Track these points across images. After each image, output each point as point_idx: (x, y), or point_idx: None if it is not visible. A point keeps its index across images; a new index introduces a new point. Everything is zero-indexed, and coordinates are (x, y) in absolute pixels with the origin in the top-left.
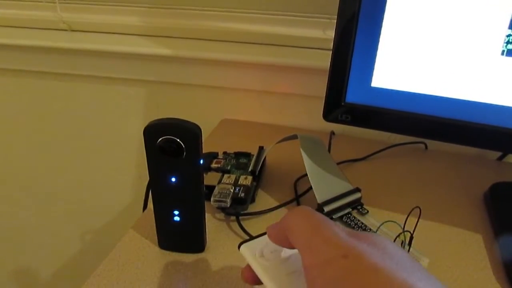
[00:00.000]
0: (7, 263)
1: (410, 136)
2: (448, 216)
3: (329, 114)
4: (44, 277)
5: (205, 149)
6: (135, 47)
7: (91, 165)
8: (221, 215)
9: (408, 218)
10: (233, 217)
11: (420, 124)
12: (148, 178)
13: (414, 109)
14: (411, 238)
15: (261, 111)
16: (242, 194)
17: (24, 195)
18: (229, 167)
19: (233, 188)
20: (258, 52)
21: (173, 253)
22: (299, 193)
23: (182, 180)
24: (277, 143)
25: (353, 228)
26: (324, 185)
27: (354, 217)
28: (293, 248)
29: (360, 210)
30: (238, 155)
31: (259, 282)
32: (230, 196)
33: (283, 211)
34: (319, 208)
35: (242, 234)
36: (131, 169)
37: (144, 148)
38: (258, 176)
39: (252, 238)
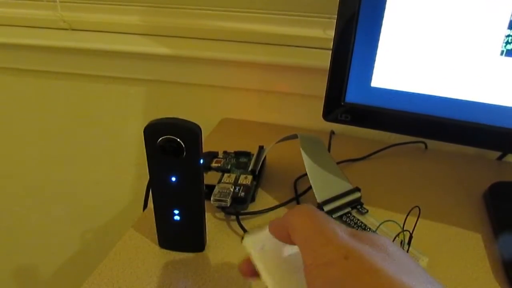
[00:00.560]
0: (7, 262)
1: (410, 136)
2: (447, 216)
3: (329, 113)
4: (44, 276)
5: (205, 148)
6: (135, 46)
7: (91, 164)
8: (221, 215)
9: (408, 218)
10: (233, 217)
11: (420, 124)
12: (148, 178)
13: (414, 109)
14: (411, 237)
15: (261, 111)
16: (242, 194)
17: (24, 194)
18: (229, 167)
19: (233, 187)
20: (258, 52)
21: (173, 252)
22: (299, 193)
23: (182, 179)
24: (277, 142)
25: (353, 227)
26: (324, 184)
27: (354, 217)
28: (294, 244)
29: (360, 209)
30: (238, 154)
31: (255, 275)
32: (230, 195)
33: (283, 210)
34: (319, 207)
35: (242, 233)
36: (131, 168)
37: (144, 147)
38: (258, 176)
39: (256, 231)
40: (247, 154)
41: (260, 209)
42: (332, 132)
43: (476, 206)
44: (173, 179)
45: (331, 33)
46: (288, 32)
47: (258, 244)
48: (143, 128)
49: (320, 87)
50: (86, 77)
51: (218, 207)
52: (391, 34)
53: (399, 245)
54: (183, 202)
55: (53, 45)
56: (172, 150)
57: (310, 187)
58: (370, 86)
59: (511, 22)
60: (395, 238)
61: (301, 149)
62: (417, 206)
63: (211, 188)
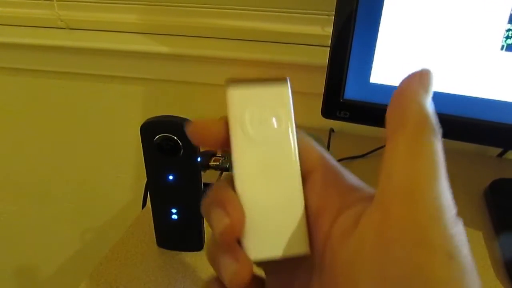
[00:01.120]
0: (7, 262)
1: None
2: None
3: (327, 111)
4: (43, 275)
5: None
6: (133, 45)
7: (89, 164)
8: None
9: None
10: None
11: None
12: None
13: None
14: None
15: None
16: None
17: (22, 193)
18: (227, 165)
19: None
20: (256, 50)
21: (172, 252)
22: None
23: (180, 178)
24: None
25: None
26: None
27: None
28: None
29: None
30: None
31: (217, 145)
32: None
33: None
34: None
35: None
36: (129, 167)
37: None
38: None
39: (249, 81)
40: None
41: None
42: (332, 130)
43: (477, 204)
44: (171, 177)
45: (330, 30)
46: (286, 30)
47: (245, 108)
48: None
49: (318, 84)
50: (84, 76)
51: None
52: (390, 29)
53: None
54: (181, 201)
55: (51, 44)
56: (169, 149)
57: None
58: (369, 82)
59: (511, 16)
60: None
61: None
62: None
63: (209, 186)
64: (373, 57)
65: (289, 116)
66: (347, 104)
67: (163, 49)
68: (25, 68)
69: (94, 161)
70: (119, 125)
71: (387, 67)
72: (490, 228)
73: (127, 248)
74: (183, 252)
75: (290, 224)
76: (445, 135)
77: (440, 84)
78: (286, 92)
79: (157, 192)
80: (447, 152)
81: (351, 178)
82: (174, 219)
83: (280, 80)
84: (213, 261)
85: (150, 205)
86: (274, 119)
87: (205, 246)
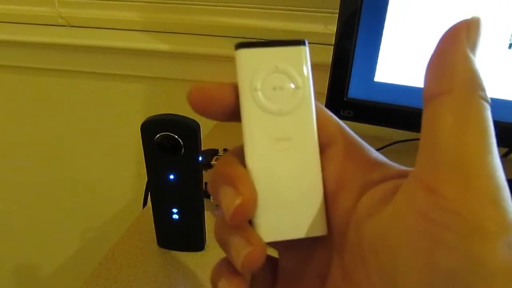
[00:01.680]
0: (7, 260)
1: (414, 132)
2: None
3: (331, 109)
4: (44, 274)
5: (205, 145)
6: (134, 43)
7: (90, 162)
8: None
9: None
10: None
11: None
12: None
13: (418, 104)
14: None
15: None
16: None
17: (23, 192)
18: None
19: None
20: None
21: (172, 252)
22: None
23: (181, 177)
24: None
25: None
26: None
27: None
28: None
29: None
30: None
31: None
32: None
33: None
34: None
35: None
36: (130, 166)
37: None
38: None
39: (262, 43)
40: None
41: None
42: None
43: None
44: (171, 177)
45: (333, 28)
46: (289, 28)
47: (258, 69)
48: None
49: (322, 83)
50: (85, 74)
51: (218, 205)
52: (395, 27)
53: None
54: (181, 201)
55: (51, 42)
56: (170, 147)
57: None
58: (373, 81)
59: None
60: None
61: None
62: None
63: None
64: (377, 55)
65: (306, 81)
66: (350, 103)
67: (164, 47)
68: (25, 66)
69: (95, 160)
70: (119, 123)
71: (391, 66)
72: None
73: (127, 248)
74: (184, 252)
75: (306, 202)
76: None
77: None
78: (303, 53)
79: (157, 192)
80: None
81: (374, 152)
82: (175, 219)
83: (298, 40)
84: (222, 243)
85: (150, 205)
86: (289, 84)
87: (206, 246)
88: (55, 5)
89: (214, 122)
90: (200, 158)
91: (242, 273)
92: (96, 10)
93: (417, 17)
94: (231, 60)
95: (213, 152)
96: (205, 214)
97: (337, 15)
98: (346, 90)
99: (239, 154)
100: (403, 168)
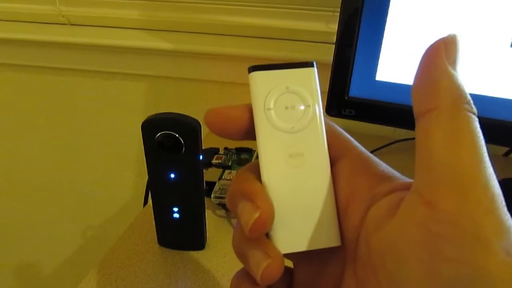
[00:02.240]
0: (8, 259)
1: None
2: None
3: (332, 108)
4: (45, 273)
5: (206, 144)
6: (135, 41)
7: (91, 161)
8: (222, 212)
9: None
10: None
11: None
12: None
13: None
14: None
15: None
16: None
17: (24, 191)
18: (230, 163)
19: None
20: (260, 46)
21: (173, 251)
22: None
23: (182, 176)
24: None
25: None
26: None
27: None
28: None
29: None
30: (239, 150)
31: (232, 133)
32: None
33: None
34: None
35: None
36: (131, 165)
37: None
38: None
39: (273, 66)
40: (249, 151)
41: None
42: None
43: None
44: (172, 175)
45: (334, 27)
46: (290, 26)
47: (270, 91)
48: None
49: (323, 82)
50: (85, 72)
51: (218, 204)
52: (397, 25)
53: None
54: (182, 200)
55: (52, 40)
56: (171, 146)
57: None
58: (375, 79)
59: None
60: None
61: None
62: None
63: (211, 185)
64: (379, 54)
65: (316, 100)
66: (352, 102)
67: (165, 45)
68: (26, 64)
69: (96, 158)
70: (120, 121)
71: (393, 65)
72: None
73: (128, 247)
74: (185, 251)
75: (319, 215)
76: None
77: None
78: (312, 74)
79: (158, 190)
80: None
81: (382, 165)
82: (176, 218)
83: (306, 63)
84: (241, 255)
85: (151, 204)
86: (300, 103)
87: (206, 246)
88: (56, 4)
89: None
90: (201, 157)
91: (260, 284)
92: (97, 8)
93: (418, 16)
94: (232, 58)
95: (214, 151)
96: (206, 213)
97: (339, 14)
98: (347, 89)
99: (255, 170)
100: (409, 180)
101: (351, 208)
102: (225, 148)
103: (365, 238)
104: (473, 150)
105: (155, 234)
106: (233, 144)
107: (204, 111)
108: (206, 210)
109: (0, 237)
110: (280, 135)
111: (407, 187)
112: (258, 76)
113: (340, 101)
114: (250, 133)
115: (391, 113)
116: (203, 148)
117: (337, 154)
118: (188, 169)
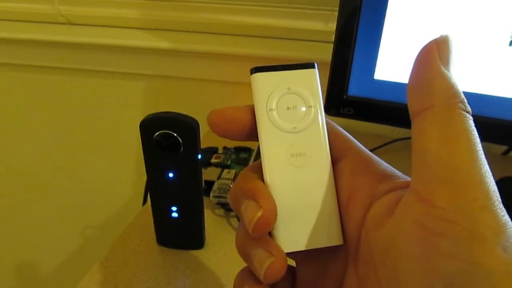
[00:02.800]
0: (7, 258)
1: None
2: None
3: (331, 107)
4: (44, 272)
5: (205, 143)
6: (134, 41)
7: (90, 160)
8: (221, 211)
9: None
10: (233, 213)
11: None
12: None
13: None
14: None
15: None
16: None
17: (23, 190)
18: (229, 162)
19: (232, 183)
20: (258, 45)
21: (172, 250)
22: None
23: (180, 175)
24: None
25: None
26: None
27: None
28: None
29: None
30: (238, 150)
31: (234, 133)
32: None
33: None
34: None
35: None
36: (131, 164)
37: None
38: None
39: (275, 67)
40: (248, 150)
41: None
42: None
43: None
44: (171, 175)
45: (333, 26)
46: (289, 25)
47: (271, 92)
48: None
49: (322, 81)
50: (85, 72)
51: (217, 203)
52: (395, 24)
53: None
54: (181, 199)
55: (51, 39)
56: (169, 145)
57: None
58: (373, 78)
59: None
60: None
61: None
62: None
63: (210, 184)
64: (377, 53)
65: (317, 101)
66: (351, 101)
67: (164, 44)
68: (25, 63)
69: (95, 158)
70: (119, 121)
71: (391, 64)
72: None
73: (127, 246)
74: (183, 251)
75: (322, 214)
76: None
77: None
78: (313, 75)
79: (157, 190)
80: None
81: (383, 164)
82: (174, 217)
83: (307, 64)
84: (244, 254)
85: (150, 203)
86: (302, 104)
87: (205, 245)
88: (55, 3)
89: None
90: (200, 156)
91: (263, 283)
92: (96, 8)
93: (417, 14)
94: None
95: (213, 150)
96: (205, 212)
97: (337, 13)
98: (346, 88)
99: (258, 170)
100: (409, 179)
101: (352, 206)
102: (224, 148)
103: (366, 236)
104: (468, 147)
105: (154, 233)
106: (232, 144)
107: (203, 111)
108: (205, 209)
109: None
110: (282, 135)
111: (407, 186)
112: (260, 77)
113: (339, 100)
114: (252, 133)
115: (390, 111)
116: (201, 147)
117: (338, 154)
118: (187, 169)
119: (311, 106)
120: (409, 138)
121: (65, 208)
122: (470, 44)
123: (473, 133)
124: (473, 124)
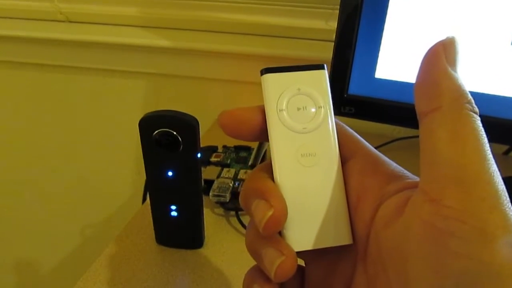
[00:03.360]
0: (6, 257)
1: (416, 129)
2: None
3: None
4: (42, 271)
5: (205, 142)
6: (134, 39)
7: (89, 159)
8: (220, 210)
9: None
10: (232, 212)
11: None
12: None
13: None
14: None
15: (262, 104)
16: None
17: (23, 189)
18: (228, 161)
19: (232, 182)
20: (259, 44)
21: (171, 249)
22: None
23: (179, 174)
24: None
25: None
26: None
27: None
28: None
29: None
30: (238, 149)
31: (245, 133)
32: (230, 190)
33: None
34: None
35: (242, 229)
36: (130, 162)
37: None
38: None
39: (285, 68)
40: (247, 149)
41: None
42: None
43: None
44: (170, 174)
45: (334, 25)
46: (289, 24)
47: (281, 93)
48: None
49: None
50: (84, 70)
51: (217, 202)
52: (396, 23)
53: None
54: (180, 198)
55: (50, 37)
56: (168, 144)
57: None
58: (374, 77)
59: None
60: None
61: None
62: None
63: (210, 183)
64: (378, 51)
65: (327, 101)
66: (351, 100)
67: (164, 43)
68: (24, 61)
69: (94, 156)
70: (119, 119)
71: (392, 62)
72: None
73: (126, 245)
74: (183, 250)
75: (331, 213)
76: None
77: None
78: (323, 76)
79: (156, 189)
80: None
81: (392, 164)
82: (174, 216)
83: (317, 65)
84: (254, 253)
85: (149, 202)
86: (311, 104)
87: (205, 244)
88: (55, 1)
89: (214, 119)
90: (199, 155)
91: (273, 281)
92: (95, 5)
93: (418, 13)
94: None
95: (213, 149)
96: (204, 211)
97: (338, 11)
98: (347, 86)
99: (268, 170)
100: (418, 179)
101: (362, 206)
102: (224, 146)
103: (375, 236)
104: (476, 147)
105: (153, 232)
106: (231, 142)
107: (203, 109)
108: (204, 209)
109: None
110: (292, 135)
111: (416, 186)
112: (270, 78)
113: (340, 99)
114: (262, 134)
115: (391, 111)
116: (201, 146)
117: (347, 154)
118: (186, 167)
119: (321, 107)
120: (410, 137)
121: (64, 206)
122: (472, 43)
123: (481, 133)
124: (480, 124)
